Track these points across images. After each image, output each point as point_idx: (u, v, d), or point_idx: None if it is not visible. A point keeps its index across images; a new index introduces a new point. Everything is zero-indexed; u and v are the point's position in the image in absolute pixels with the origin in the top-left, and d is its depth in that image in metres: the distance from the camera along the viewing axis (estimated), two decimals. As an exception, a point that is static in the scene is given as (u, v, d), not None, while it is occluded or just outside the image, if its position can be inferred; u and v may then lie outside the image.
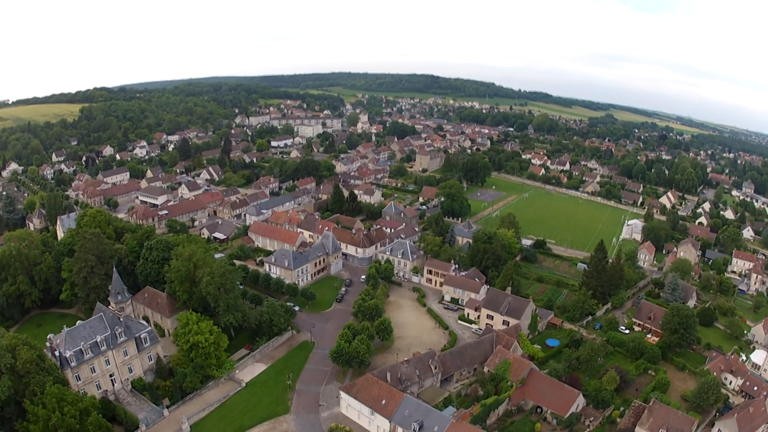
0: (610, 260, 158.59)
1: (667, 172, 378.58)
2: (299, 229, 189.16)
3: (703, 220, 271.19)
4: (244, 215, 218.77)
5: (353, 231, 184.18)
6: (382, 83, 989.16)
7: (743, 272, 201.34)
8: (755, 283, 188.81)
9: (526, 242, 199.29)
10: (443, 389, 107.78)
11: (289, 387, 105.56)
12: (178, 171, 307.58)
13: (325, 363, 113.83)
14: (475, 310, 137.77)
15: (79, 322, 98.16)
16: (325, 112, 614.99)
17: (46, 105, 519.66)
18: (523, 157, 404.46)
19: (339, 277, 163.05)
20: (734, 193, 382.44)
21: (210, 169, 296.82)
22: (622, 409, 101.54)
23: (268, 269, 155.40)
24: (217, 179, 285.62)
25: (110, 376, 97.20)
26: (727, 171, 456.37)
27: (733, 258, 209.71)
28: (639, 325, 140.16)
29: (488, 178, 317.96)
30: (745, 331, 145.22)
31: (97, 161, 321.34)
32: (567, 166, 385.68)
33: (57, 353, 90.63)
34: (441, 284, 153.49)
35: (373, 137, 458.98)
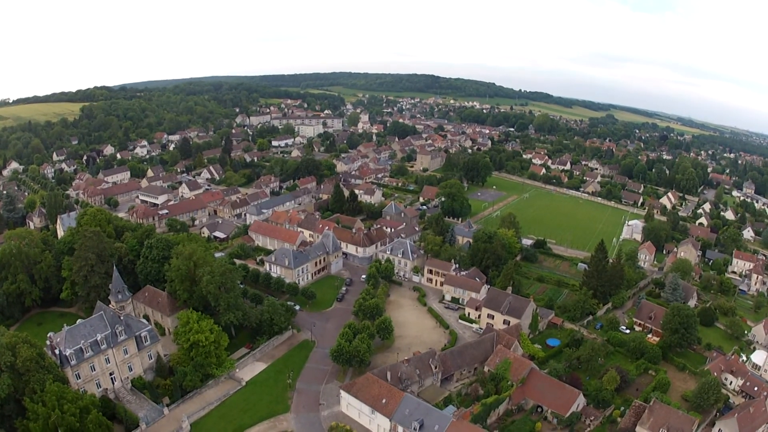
0: (611, 260, 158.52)
1: (667, 172, 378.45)
2: (300, 229, 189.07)
3: (703, 220, 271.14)
4: (245, 214, 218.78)
5: (354, 230, 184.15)
6: (383, 83, 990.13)
7: (743, 272, 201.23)
8: (755, 284, 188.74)
9: (527, 242, 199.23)
10: (444, 388, 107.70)
11: (290, 386, 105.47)
12: (178, 170, 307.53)
13: (325, 362, 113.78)
14: (476, 309, 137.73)
15: (79, 320, 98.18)
16: (326, 111, 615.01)
17: (47, 104, 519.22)
18: (524, 157, 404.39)
19: (339, 276, 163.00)
20: (735, 193, 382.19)
21: (210, 168, 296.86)
22: (622, 408, 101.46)
23: (268, 268, 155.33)
24: (218, 179, 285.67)
25: (110, 374, 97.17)
26: (727, 171, 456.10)
27: (733, 258, 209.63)
28: (639, 324, 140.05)
29: (489, 177, 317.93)
30: (746, 332, 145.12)
31: (97, 160, 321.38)
32: (568, 166, 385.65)
33: (57, 351, 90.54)
34: (441, 284, 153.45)
35: (374, 137, 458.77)
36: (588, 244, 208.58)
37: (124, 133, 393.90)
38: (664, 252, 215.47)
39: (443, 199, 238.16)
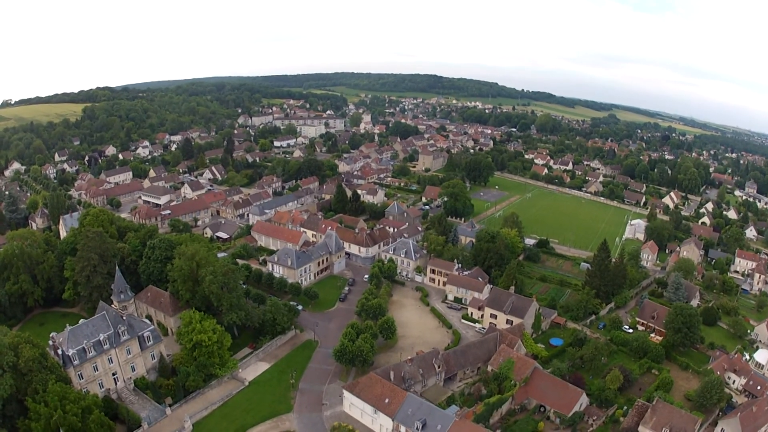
0: (614, 260, 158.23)
1: (669, 172, 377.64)
2: (302, 229, 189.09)
3: (706, 219, 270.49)
4: (247, 215, 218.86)
5: (356, 230, 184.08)
6: (385, 83, 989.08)
7: (746, 272, 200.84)
8: (758, 283, 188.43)
9: (529, 242, 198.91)
10: (446, 388, 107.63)
11: (292, 386, 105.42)
12: (180, 171, 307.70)
13: (328, 362, 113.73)
14: (479, 309, 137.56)
15: (82, 320, 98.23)
16: (328, 112, 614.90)
17: (49, 105, 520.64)
18: (526, 156, 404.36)
19: (342, 276, 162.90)
20: (737, 193, 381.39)
21: (213, 168, 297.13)
22: (625, 408, 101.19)
23: (271, 268, 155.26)
24: (220, 179, 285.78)
25: (113, 374, 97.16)
26: (729, 171, 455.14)
27: (736, 258, 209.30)
28: (642, 324, 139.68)
29: (491, 177, 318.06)
30: (749, 331, 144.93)
31: (99, 161, 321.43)
32: (570, 166, 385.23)
33: (60, 352, 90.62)
34: (444, 283, 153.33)
35: (376, 137, 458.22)
36: (590, 243, 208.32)
37: (126, 133, 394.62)
38: (667, 251, 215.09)
39: (446, 199, 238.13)
